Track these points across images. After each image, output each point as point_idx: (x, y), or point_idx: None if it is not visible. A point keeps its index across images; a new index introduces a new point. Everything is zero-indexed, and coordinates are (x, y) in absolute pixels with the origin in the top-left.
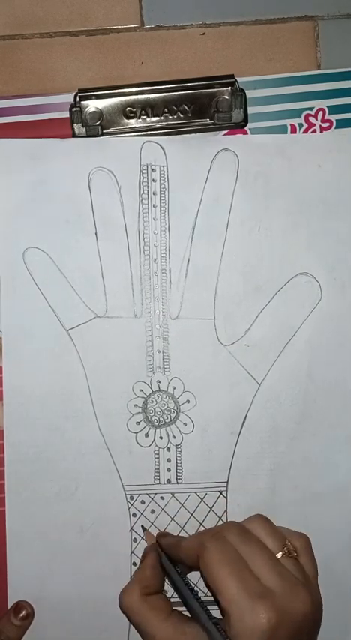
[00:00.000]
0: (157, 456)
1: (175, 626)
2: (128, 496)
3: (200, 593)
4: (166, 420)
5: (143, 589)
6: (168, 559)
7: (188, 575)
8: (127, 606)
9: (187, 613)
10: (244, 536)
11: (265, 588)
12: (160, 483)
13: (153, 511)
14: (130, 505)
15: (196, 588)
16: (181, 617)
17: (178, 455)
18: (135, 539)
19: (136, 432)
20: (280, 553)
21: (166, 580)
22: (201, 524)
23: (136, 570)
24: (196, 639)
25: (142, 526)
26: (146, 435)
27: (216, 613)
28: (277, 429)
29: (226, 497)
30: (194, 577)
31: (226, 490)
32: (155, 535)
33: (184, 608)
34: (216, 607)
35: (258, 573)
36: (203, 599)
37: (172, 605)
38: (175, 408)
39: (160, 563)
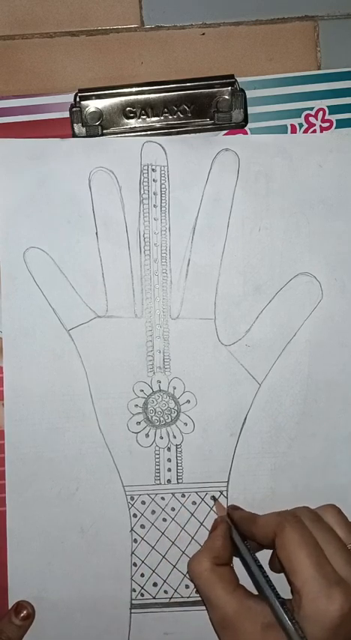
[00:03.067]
0: (157, 456)
1: (241, 601)
2: (129, 496)
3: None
4: (167, 420)
5: (214, 559)
6: (238, 534)
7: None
8: (196, 574)
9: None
10: (318, 523)
11: (340, 576)
12: (160, 483)
13: (153, 511)
14: (130, 505)
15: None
16: (246, 593)
17: (178, 455)
18: (135, 540)
19: (137, 432)
20: None
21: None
22: (201, 524)
23: (206, 539)
24: (260, 615)
25: (212, 496)
26: (147, 435)
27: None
28: (278, 429)
29: (226, 497)
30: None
31: (227, 490)
32: (228, 507)
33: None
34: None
35: (332, 561)
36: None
37: (238, 580)
38: (176, 408)
39: (231, 537)
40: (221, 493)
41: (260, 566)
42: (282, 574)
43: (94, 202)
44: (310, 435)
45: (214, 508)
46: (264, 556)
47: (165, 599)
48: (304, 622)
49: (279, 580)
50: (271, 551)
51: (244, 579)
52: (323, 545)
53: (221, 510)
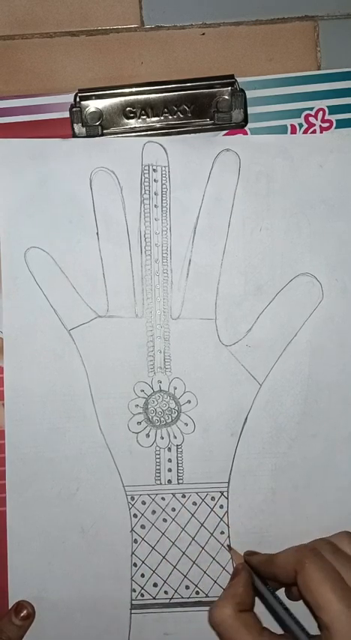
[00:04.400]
0: (158, 456)
1: None
2: (129, 497)
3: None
4: (167, 420)
5: (237, 605)
6: (258, 577)
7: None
8: (219, 621)
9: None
10: (337, 554)
11: None
12: (161, 484)
13: (154, 512)
14: (131, 506)
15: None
16: (272, 635)
17: (179, 455)
18: (136, 540)
19: (137, 432)
20: None
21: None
22: (202, 524)
23: (227, 587)
24: None
25: (228, 545)
26: (147, 435)
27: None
28: (278, 430)
29: (227, 498)
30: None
31: (227, 490)
32: (243, 554)
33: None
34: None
35: None
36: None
37: (262, 623)
38: (176, 408)
39: (252, 583)
40: (222, 493)
41: (286, 608)
42: (303, 608)
43: (94, 202)
44: (310, 436)
45: (232, 557)
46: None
47: (165, 600)
48: None
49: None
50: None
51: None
52: (345, 576)
53: (238, 558)
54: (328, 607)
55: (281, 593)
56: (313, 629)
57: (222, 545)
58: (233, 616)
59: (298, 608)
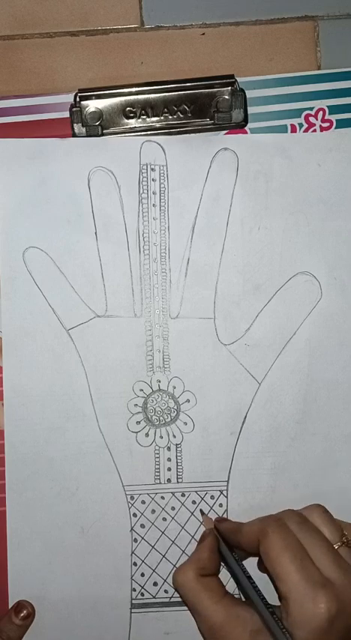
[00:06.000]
0: (157, 455)
1: (228, 609)
2: (129, 496)
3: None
4: (167, 420)
5: (199, 570)
6: (226, 544)
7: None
8: (180, 584)
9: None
10: (303, 525)
11: (325, 578)
12: (160, 483)
13: (153, 511)
14: (130, 505)
15: (252, 575)
16: (234, 601)
17: (178, 454)
18: (135, 540)
19: (137, 432)
20: (338, 543)
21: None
22: (202, 523)
23: (193, 551)
24: (249, 623)
25: (200, 510)
26: (146, 435)
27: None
28: (278, 428)
29: (226, 497)
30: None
31: (227, 489)
32: (214, 520)
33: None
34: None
35: (317, 562)
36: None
37: (225, 589)
38: (176, 407)
39: (218, 549)
40: (221, 492)
41: (249, 576)
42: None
43: (93, 202)
44: (310, 434)
45: (202, 522)
46: (252, 560)
47: (165, 599)
48: (293, 627)
49: (268, 585)
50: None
51: (233, 589)
52: (309, 547)
53: (209, 523)
54: (286, 577)
55: (253, 564)
56: (275, 599)
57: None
58: (194, 579)
59: (264, 579)
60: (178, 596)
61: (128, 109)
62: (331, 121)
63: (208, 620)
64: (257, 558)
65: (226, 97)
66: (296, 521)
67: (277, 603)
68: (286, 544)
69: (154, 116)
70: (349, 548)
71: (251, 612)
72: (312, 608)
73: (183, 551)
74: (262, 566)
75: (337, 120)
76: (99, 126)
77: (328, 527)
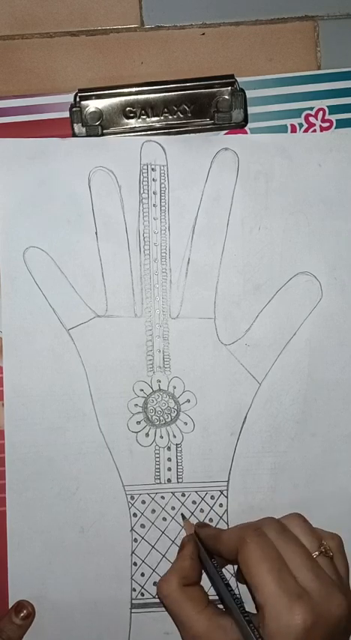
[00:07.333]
0: (157, 455)
1: (211, 619)
2: (129, 496)
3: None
4: (167, 420)
5: (182, 579)
6: (205, 551)
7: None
8: (164, 594)
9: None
10: (282, 534)
11: (302, 589)
12: (160, 483)
13: (153, 511)
14: (130, 505)
15: (230, 583)
16: (216, 610)
17: (178, 454)
18: (135, 540)
19: (137, 432)
20: (317, 552)
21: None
22: (182, 527)
23: (175, 560)
24: (231, 632)
25: (182, 514)
26: (147, 435)
27: (249, 607)
28: (278, 429)
29: (226, 497)
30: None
31: (227, 489)
32: (194, 525)
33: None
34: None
35: (295, 572)
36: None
37: (208, 598)
38: (176, 407)
39: (198, 556)
40: (221, 492)
41: (227, 584)
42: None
43: (93, 202)
44: (310, 435)
45: (183, 526)
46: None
47: None
48: (269, 638)
49: (248, 594)
50: None
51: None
52: (287, 556)
53: (190, 528)
54: (263, 587)
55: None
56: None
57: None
58: (178, 590)
59: (245, 589)
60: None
61: (128, 109)
62: (331, 121)
63: (190, 630)
64: (237, 567)
65: (226, 97)
66: (275, 529)
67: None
68: (264, 554)
69: (154, 116)
70: (328, 558)
71: (232, 622)
72: (287, 620)
73: None
74: (240, 576)
75: (337, 120)
76: (99, 126)
77: (307, 536)
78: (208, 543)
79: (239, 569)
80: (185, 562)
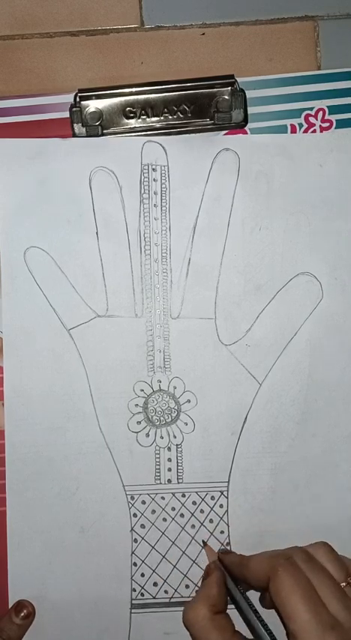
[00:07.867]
0: (157, 455)
1: None
2: (129, 496)
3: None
4: (167, 420)
5: (211, 607)
6: (231, 578)
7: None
8: (192, 622)
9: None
10: (310, 563)
11: (335, 619)
12: (160, 483)
13: (153, 511)
14: (130, 505)
15: (259, 610)
16: (242, 638)
17: (178, 455)
18: (136, 540)
19: (137, 432)
20: (344, 583)
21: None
22: (202, 524)
23: (201, 586)
24: None
25: (203, 541)
26: (147, 435)
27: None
28: (278, 429)
29: (226, 497)
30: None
31: (227, 490)
32: (218, 552)
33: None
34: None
35: (326, 602)
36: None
37: (234, 626)
38: (176, 407)
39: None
40: (221, 493)
41: (255, 611)
42: (275, 615)
43: (94, 202)
44: (310, 435)
45: (206, 553)
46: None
47: (165, 599)
48: None
49: (273, 622)
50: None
51: (240, 624)
52: (317, 586)
53: (212, 555)
54: (296, 616)
55: (255, 599)
56: (281, 635)
57: (222, 544)
58: (207, 617)
59: (270, 615)
60: (179, 596)
61: (128, 109)
62: (331, 121)
63: None
64: (260, 593)
65: (226, 97)
66: (303, 559)
67: None
68: (297, 583)
69: (154, 116)
70: None
71: None
72: None
73: (183, 552)
74: (265, 602)
75: (337, 120)
76: (99, 126)
77: (334, 565)
78: (233, 570)
79: (263, 595)
80: (213, 589)
